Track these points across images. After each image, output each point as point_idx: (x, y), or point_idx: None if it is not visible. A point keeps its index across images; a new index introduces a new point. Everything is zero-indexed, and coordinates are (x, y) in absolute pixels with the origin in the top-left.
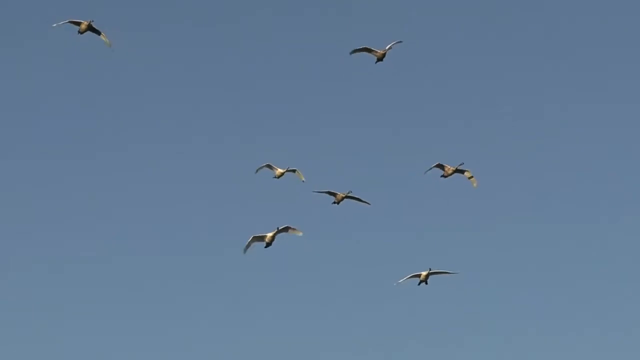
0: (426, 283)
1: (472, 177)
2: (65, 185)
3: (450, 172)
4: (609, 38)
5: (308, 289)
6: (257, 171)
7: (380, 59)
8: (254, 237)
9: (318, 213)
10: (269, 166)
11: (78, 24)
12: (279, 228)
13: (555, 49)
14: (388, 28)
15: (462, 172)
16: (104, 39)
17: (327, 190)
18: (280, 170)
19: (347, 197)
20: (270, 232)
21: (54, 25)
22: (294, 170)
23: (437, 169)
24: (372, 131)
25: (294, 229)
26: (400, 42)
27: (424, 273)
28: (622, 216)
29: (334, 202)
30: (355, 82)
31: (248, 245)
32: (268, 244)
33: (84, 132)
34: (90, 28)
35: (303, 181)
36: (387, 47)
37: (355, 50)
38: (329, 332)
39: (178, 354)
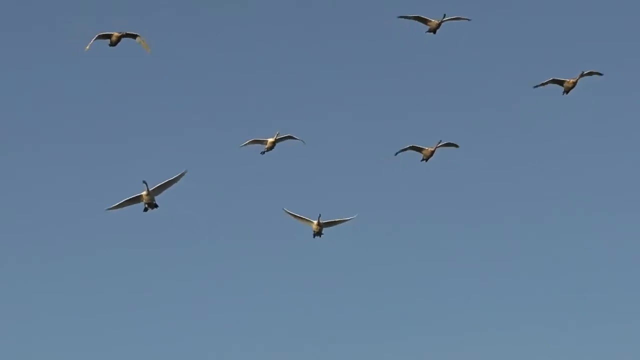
0: (320, 234)
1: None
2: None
3: (571, 85)
4: None
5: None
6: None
7: (433, 30)
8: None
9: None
10: (256, 141)
11: (108, 36)
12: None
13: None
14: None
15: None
16: (142, 43)
17: (409, 146)
18: (271, 140)
19: (438, 147)
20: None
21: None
22: (288, 137)
23: (555, 85)
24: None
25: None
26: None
27: (314, 222)
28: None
29: (423, 160)
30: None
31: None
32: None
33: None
34: (123, 36)
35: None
36: (443, 18)
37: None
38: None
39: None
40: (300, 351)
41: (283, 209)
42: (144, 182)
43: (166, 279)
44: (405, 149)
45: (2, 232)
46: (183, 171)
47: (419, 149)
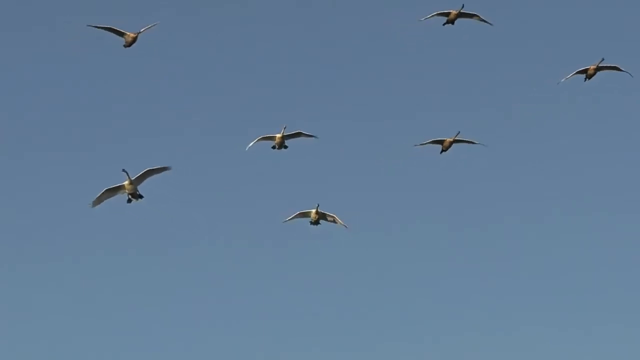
0: (317, 223)
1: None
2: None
3: (592, 71)
4: None
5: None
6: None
7: (452, 21)
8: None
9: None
10: (265, 138)
11: (120, 33)
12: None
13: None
14: None
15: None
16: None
17: (431, 140)
18: (279, 135)
19: (455, 141)
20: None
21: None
22: (298, 133)
23: (579, 75)
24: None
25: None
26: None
27: (313, 211)
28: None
29: (442, 151)
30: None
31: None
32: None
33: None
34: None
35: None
36: (461, 8)
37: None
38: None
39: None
40: (301, 351)
41: (282, 222)
42: (124, 170)
43: (166, 279)
44: (426, 143)
45: (2, 232)
46: (167, 166)
47: (440, 142)
